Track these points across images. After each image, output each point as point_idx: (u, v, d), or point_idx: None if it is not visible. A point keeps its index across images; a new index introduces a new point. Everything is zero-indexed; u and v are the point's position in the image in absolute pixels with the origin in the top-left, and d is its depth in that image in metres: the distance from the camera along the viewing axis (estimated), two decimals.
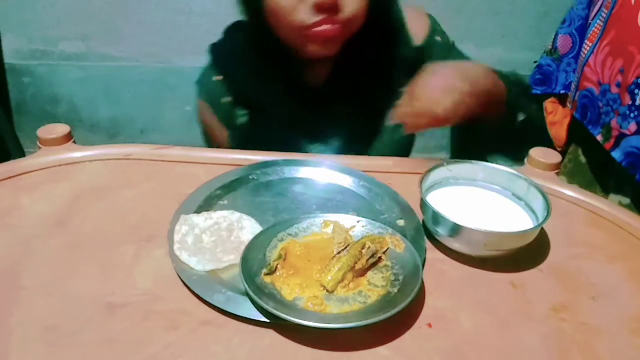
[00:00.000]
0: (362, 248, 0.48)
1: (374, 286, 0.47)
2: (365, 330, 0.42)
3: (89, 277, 0.48)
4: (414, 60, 0.76)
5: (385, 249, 0.50)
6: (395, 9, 0.77)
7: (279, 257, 0.49)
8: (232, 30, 0.81)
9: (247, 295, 0.44)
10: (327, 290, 0.46)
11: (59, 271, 0.49)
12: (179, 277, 0.47)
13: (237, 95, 0.80)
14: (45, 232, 0.54)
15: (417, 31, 0.78)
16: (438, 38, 0.79)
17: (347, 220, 0.54)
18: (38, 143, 0.69)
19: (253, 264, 0.48)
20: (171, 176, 0.65)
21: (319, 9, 0.63)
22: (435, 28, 0.80)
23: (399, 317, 0.44)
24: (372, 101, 0.77)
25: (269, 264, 0.48)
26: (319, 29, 0.65)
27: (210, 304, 0.44)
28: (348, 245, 0.49)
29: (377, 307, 0.44)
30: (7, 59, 1.60)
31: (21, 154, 1.66)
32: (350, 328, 0.41)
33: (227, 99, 0.80)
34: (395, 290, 0.45)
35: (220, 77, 0.80)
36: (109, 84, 1.63)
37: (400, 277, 0.47)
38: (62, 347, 0.41)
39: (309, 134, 0.78)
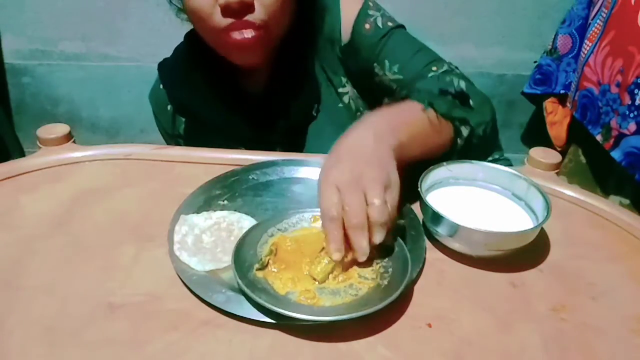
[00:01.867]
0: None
1: (364, 279, 0.48)
2: (364, 329, 0.42)
3: (89, 277, 0.48)
4: (343, 60, 0.74)
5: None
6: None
7: (270, 252, 0.49)
8: (184, 40, 0.79)
9: (241, 290, 0.45)
10: (317, 281, 0.47)
11: (59, 271, 0.49)
12: (179, 277, 0.47)
13: (175, 103, 0.80)
14: (45, 232, 0.54)
15: (347, 19, 0.72)
16: (367, 26, 0.70)
17: None
18: (38, 143, 0.69)
19: (245, 259, 0.48)
20: (171, 176, 0.65)
21: (225, 11, 0.60)
22: (365, 14, 0.71)
23: (398, 316, 0.44)
24: (312, 106, 0.74)
25: (261, 260, 0.48)
26: (233, 36, 0.62)
27: (210, 304, 0.44)
28: None
29: (368, 299, 0.45)
30: (7, 59, 1.59)
31: (21, 154, 1.66)
32: (345, 320, 0.41)
33: (170, 108, 0.80)
34: (386, 282, 0.46)
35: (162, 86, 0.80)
36: (109, 84, 1.62)
37: (390, 270, 0.48)
38: (62, 347, 0.41)
39: (247, 143, 0.74)
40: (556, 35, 1.27)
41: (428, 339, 0.42)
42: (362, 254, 0.47)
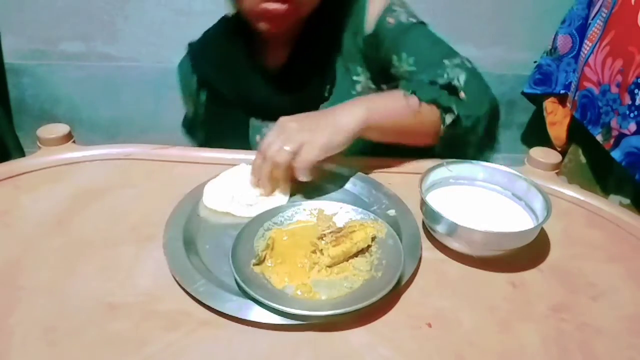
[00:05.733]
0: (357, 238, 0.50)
1: (359, 271, 0.48)
2: (364, 329, 0.42)
3: (89, 277, 0.48)
4: (363, 50, 0.77)
5: (372, 235, 0.51)
6: None
7: (267, 246, 0.50)
8: (216, 23, 0.85)
9: (239, 286, 0.45)
10: (328, 266, 0.48)
11: (59, 271, 0.49)
12: (177, 283, 0.47)
13: (198, 73, 0.84)
14: (45, 232, 0.54)
15: (373, 12, 0.75)
16: (390, 20, 0.73)
17: (331, 207, 0.55)
18: (38, 143, 0.69)
19: (242, 254, 0.49)
20: (171, 176, 0.65)
21: None
22: (390, 9, 0.75)
23: (398, 316, 0.44)
24: (325, 86, 0.78)
25: (258, 255, 0.49)
26: (265, 6, 0.65)
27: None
28: (338, 229, 0.51)
29: (363, 291, 0.45)
30: (7, 59, 1.59)
31: (21, 154, 1.66)
32: (341, 314, 0.42)
33: (194, 78, 0.85)
34: (379, 274, 0.47)
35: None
36: (109, 84, 1.62)
37: (384, 262, 0.48)
38: (62, 347, 0.41)
39: (261, 115, 0.80)
40: (556, 35, 1.27)
41: (428, 339, 0.42)
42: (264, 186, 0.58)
